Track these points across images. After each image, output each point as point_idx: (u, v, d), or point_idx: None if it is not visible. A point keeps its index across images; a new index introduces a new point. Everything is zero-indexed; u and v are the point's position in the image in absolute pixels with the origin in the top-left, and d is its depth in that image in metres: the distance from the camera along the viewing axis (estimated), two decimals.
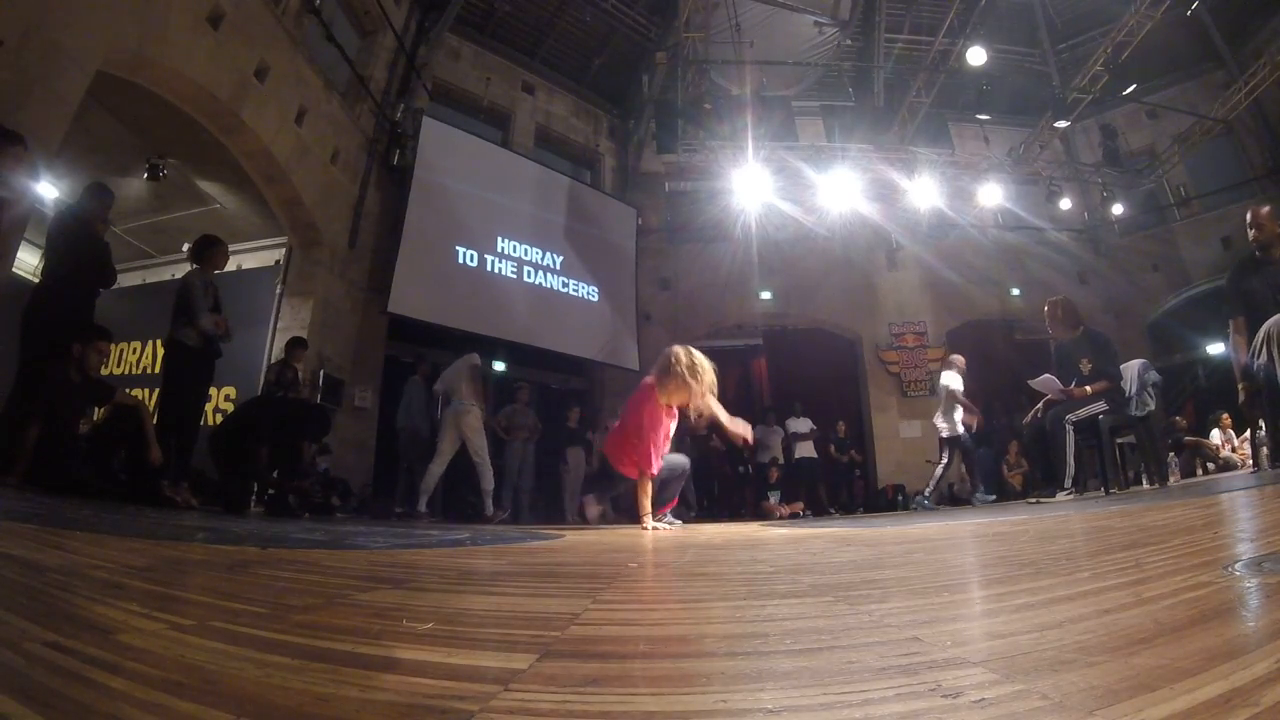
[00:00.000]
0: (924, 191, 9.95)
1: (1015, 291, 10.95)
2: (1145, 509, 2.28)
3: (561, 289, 9.98)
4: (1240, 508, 1.95)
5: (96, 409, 4.36)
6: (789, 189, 10.06)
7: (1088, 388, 4.32)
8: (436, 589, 1.09)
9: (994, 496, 7.19)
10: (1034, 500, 4.86)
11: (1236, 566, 0.85)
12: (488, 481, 5.83)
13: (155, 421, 4.15)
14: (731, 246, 10.57)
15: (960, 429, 6.84)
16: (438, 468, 5.76)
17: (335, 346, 7.58)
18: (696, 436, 6.73)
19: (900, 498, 9.29)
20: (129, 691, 0.43)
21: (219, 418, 6.29)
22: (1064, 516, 2.39)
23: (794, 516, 7.92)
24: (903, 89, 10.46)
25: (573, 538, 2.70)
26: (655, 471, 3.62)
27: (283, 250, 7.58)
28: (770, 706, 0.41)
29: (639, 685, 0.49)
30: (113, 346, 4.83)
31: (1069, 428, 4.22)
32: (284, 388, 5.19)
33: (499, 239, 9.32)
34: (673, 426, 3.78)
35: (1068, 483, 4.15)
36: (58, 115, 4.12)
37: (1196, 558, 0.98)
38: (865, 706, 0.41)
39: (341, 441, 7.14)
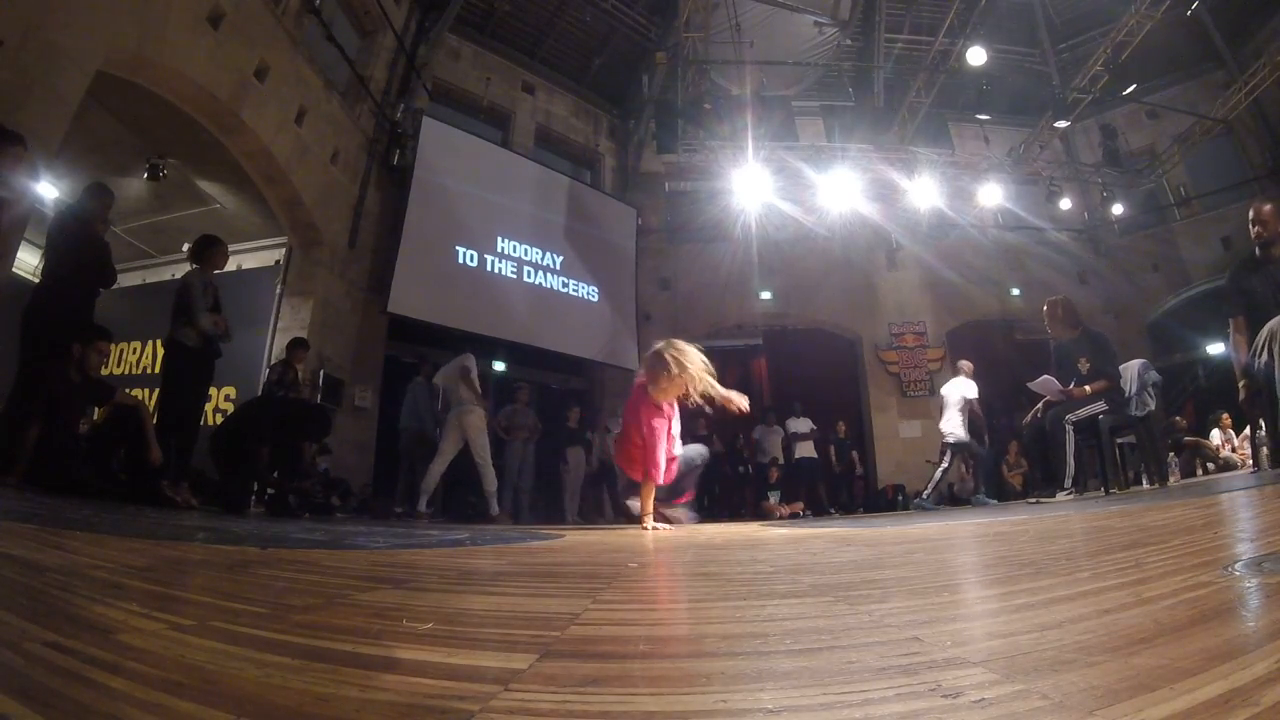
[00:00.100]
0: (924, 191, 9.95)
1: (1015, 291, 10.95)
2: (1145, 509, 2.28)
3: (561, 289, 9.99)
4: (1240, 508, 1.95)
5: (96, 409, 4.36)
6: (789, 189, 10.07)
7: (1087, 387, 4.33)
8: (436, 589, 1.09)
9: (994, 500, 7.19)
10: (1034, 500, 4.86)
11: (1236, 566, 0.85)
12: (490, 483, 5.83)
13: (155, 421, 4.15)
14: (731, 246, 10.57)
15: (966, 434, 6.83)
16: (439, 468, 5.77)
17: (335, 346, 7.58)
18: (698, 436, 6.73)
19: (900, 498, 9.29)
20: (129, 691, 0.43)
21: (219, 418, 6.29)
22: (1064, 516, 2.39)
23: (794, 516, 7.93)
24: (903, 89, 10.46)
25: (573, 538, 2.70)
26: (667, 479, 3.66)
27: (283, 250, 7.58)
28: (770, 706, 0.41)
29: (639, 685, 0.49)
30: (113, 346, 4.83)
31: (1069, 428, 4.22)
32: (285, 388, 5.19)
33: (499, 239, 9.32)
34: (676, 423, 3.77)
35: (1068, 483, 4.15)
36: (58, 115, 4.13)
37: (1196, 558, 0.98)
38: (865, 706, 0.41)
39: (341, 441, 7.14)
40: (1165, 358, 9.85)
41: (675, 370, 3.48)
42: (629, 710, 0.42)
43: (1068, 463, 4.17)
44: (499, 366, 9.15)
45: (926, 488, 6.94)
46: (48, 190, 5.24)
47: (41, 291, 3.89)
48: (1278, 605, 0.63)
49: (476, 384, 5.92)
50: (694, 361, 3.51)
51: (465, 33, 10.07)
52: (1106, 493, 4.26)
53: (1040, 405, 4.52)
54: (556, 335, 9.63)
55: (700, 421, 8.01)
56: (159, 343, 6.37)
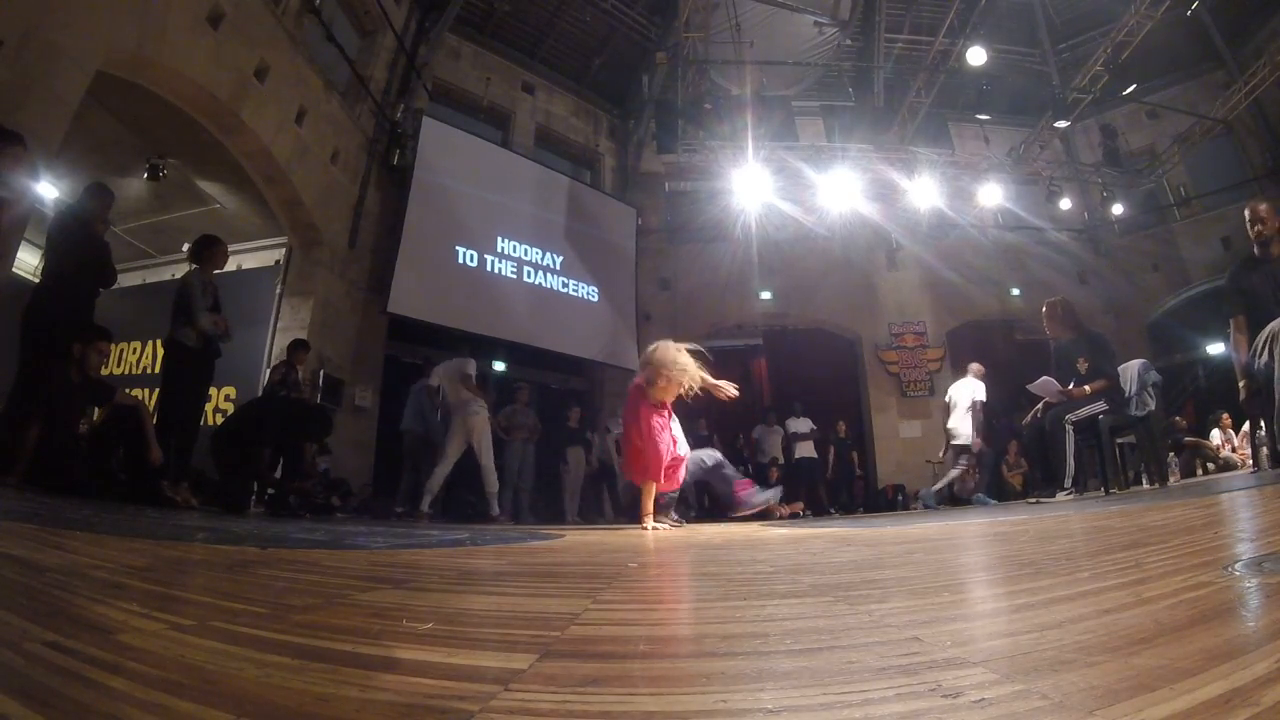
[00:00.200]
0: (924, 191, 9.95)
1: (1015, 291, 10.95)
2: (1145, 509, 2.28)
3: (561, 289, 9.98)
4: (1240, 508, 1.95)
5: (96, 409, 4.36)
6: (789, 189, 10.06)
7: (1086, 387, 4.33)
8: (436, 589, 1.09)
9: (994, 500, 7.19)
10: (1034, 500, 4.86)
11: (1236, 566, 0.85)
12: (492, 484, 5.86)
13: (155, 421, 4.14)
14: (731, 246, 10.57)
15: (977, 438, 6.83)
16: (443, 470, 5.79)
17: (335, 346, 7.58)
18: (698, 436, 6.74)
19: (900, 498, 9.29)
20: (129, 691, 0.43)
21: (219, 418, 6.29)
22: (1064, 516, 2.39)
23: (794, 516, 7.92)
24: (903, 89, 10.46)
25: (573, 538, 2.70)
26: (672, 483, 3.76)
27: (283, 250, 7.58)
28: (770, 706, 0.41)
29: (639, 685, 0.49)
30: (113, 346, 4.82)
31: (1069, 428, 4.22)
32: (287, 388, 5.20)
33: (499, 239, 9.32)
34: (675, 425, 3.82)
35: (1068, 483, 4.15)
36: (58, 115, 4.12)
37: (1196, 558, 0.98)
38: (865, 706, 0.41)
39: (341, 442, 7.14)
40: (1165, 358, 9.84)
41: (668, 368, 3.63)
42: (629, 710, 0.42)
43: (1068, 463, 4.17)
44: (499, 366, 9.14)
45: (936, 484, 6.95)
46: (48, 190, 5.23)
47: (41, 291, 3.88)
48: (1278, 605, 0.63)
49: (476, 387, 5.96)
50: (680, 357, 3.71)
51: (465, 33, 10.06)
52: (1106, 493, 4.25)
53: (1040, 405, 4.52)
54: (556, 335, 9.62)
55: (700, 421, 8.02)
56: (159, 343, 6.37)
